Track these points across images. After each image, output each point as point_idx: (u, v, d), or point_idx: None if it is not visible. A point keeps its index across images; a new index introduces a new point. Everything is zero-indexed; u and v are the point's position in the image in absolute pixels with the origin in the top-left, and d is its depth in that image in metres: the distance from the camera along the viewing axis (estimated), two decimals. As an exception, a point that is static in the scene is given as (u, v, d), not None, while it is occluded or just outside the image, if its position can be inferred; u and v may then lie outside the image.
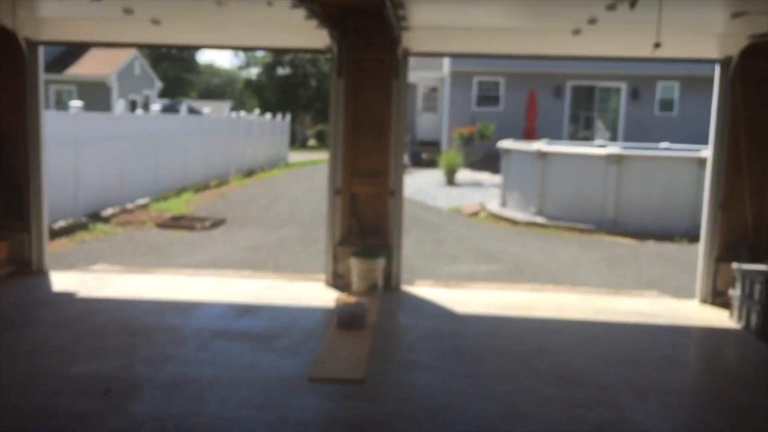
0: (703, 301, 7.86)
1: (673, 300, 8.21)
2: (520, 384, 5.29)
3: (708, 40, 7.63)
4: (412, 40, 7.79)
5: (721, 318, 7.33)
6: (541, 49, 8.31)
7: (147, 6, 7.05)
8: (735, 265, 7.20)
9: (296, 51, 21.80)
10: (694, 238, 11.46)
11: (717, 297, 7.71)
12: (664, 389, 5.27)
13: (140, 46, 29.71)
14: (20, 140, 8.04)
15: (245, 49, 47.94)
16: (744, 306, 6.93)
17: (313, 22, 6.97)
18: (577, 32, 7.11)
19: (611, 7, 5.77)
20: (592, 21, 6.60)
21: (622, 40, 7.71)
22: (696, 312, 7.58)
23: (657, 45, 5.74)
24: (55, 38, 8.52)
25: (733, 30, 7.16)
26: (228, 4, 6.51)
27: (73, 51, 30.77)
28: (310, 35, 7.51)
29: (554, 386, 5.25)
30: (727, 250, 7.66)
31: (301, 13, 6.43)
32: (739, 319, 7.03)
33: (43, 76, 8.32)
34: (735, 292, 7.13)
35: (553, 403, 4.93)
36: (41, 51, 8.21)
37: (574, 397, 5.05)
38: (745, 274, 6.94)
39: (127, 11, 6.96)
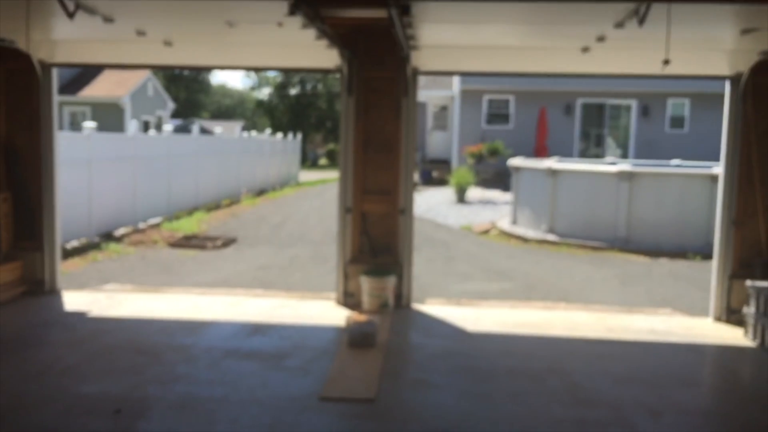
0: (717, 318, 7.78)
1: (687, 318, 8.13)
2: (532, 403, 5.23)
3: (718, 57, 7.62)
4: (421, 59, 7.84)
5: (735, 336, 7.24)
6: (551, 68, 8.35)
7: (159, 27, 7.14)
8: (749, 283, 7.13)
9: (307, 71, 21.96)
10: (707, 255, 11.36)
11: (731, 314, 7.63)
12: (679, 408, 5.21)
13: (153, 68, 30.13)
14: (34, 160, 8.13)
15: (256, 69, 48.27)
16: (759, 323, 6.84)
17: (324, 42, 7.02)
18: (586, 50, 7.12)
19: (619, 25, 5.77)
20: (601, 39, 6.61)
21: (631, 57, 7.72)
22: (710, 330, 7.50)
23: (666, 62, 5.73)
24: (69, 60, 8.64)
25: (743, 47, 7.15)
26: (239, 25, 6.59)
27: (87, 73, 31.18)
28: (321, 55, 7.57)
29: (567, 406, 5.19)
30: (740, 267, 7.60)
31: (311, 33, 6.48)
32: (754, 336, 6.94)
33: (56, 97, 8.43)
34: (749, 310, 7.05)
35: (565, 423, 4.88)
36: (55, 73, 8.32)
37: (588, 416, 4.99)
38: (759, 291, 6.86)
39: (140, 33, 7.05)
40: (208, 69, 51.29)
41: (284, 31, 6.62)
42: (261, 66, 9.23)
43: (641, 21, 5.26)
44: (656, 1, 5.10)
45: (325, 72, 8.41)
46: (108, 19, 6.25)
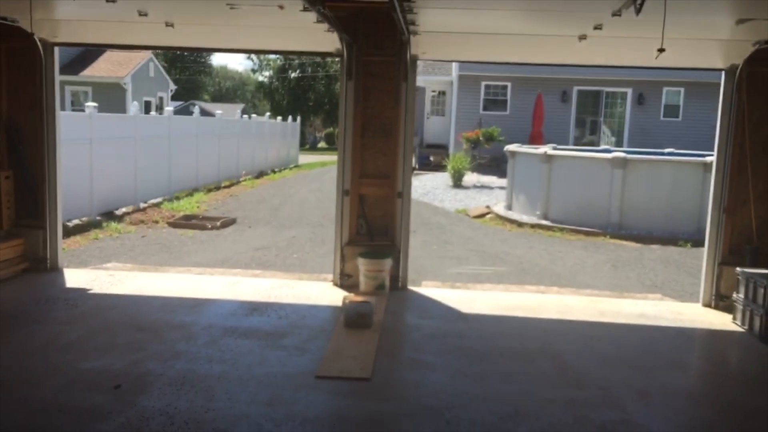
0: (707, 304, 7.92)
1: (677, 303, 8.27)
2: (524, 384, 5.35)
3: (714, 49, 7.67)
4: (420, 46, 7.89)
5: (724, 321, 7.37)
6: (548, 57, 8.44)
7: (161, 8, 7.18)
8: (739, 269, 7.25)
9: (307, 54, 21.94)
10: (698, 242, 11.51)
11: (721, 300, 7.77)
12: (668, 391, 5.33)
13: (154, 49, 30.05)
14: (36, 140, 8.21)
15: (257, 53, 48.15)
16: (747, 309, 6.98)
17: (324, 26, 7.07)
18: (583, 38, 7.18)
19: (617, 13, 5.80)
20: (598, 27, 6.67)
21: (627, 48, 7.78)
22: (699, 315, 7.63)
23: (661, 50, 5.78)
24: (71, 40, 8.69)
25: (739, 37, 7.21)
26: (240, 8, 6.63)
27: (88, 53, 31.12)
28: (321, 39, 7.62)
29: (558, 387, 5.32)
30: (731, 254, 7.72)
31: (311, 16, 6.52)
32: (743, 322, 7.08)
33: (59, 77, 8.49)
34: (738, 296, 7.18)
35: (557, 403, 4.99)
36: (57, 52, 8.37)
37: (578, 397, 5.11)
38: (748, 277, 6.99)
39: (142, 14, 7.09)
40: (209, 51, 51.09)
41: (285, 14, 6.66)
42: (261, 49, 9.33)
43: (638, 10, 5.28)
44: None
45: (326, 56, 8.48)
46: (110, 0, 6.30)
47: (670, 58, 6.38)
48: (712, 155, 8.26)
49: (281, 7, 6.34)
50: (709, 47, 7.66)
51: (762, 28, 6.70)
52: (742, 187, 7.66)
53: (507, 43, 8.05)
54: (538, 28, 7.55)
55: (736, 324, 7.21)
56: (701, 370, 6.32)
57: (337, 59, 8.10)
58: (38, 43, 8.02)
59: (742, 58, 7.46)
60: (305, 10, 6.15)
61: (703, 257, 8.15)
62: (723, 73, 7.78)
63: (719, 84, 7.97)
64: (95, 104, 14.18)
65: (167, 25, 7.57)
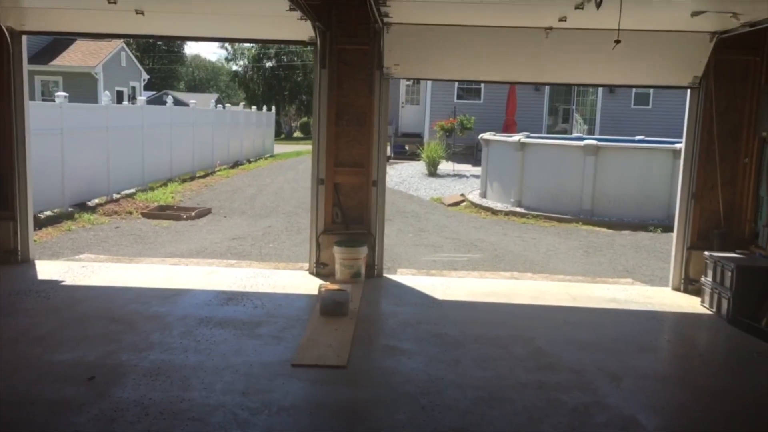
0: (676, 288, 8.07)
1: (647, 287, 8.42)
2: (498, 369, 5.42)
3: (679, 67, 7.80)
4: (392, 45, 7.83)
5: (693, 304, 7.53)
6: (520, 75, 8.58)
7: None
8: (707, 253, 7.40)
9: (281, 43, 21.75)
10: (668, 227, 11.71)
11: (689, 284, 7.92)
12: (638, 373, 5.43)
13: (125, 37, 29.50)
14: (4, 130, 8.07)
15: (229, 41, 47.54)
16: (715, 293, 7.13)
17: (297, 14, 7.03)
18: (549, 30, 7.29)
19: (579, 6, 6.01)
20: (563, 19, 6.79)
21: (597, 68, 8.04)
22: (669, 299, 7.78)
23: (617, 41, 5.90)
24: (39, 28, 8.52)
25: (702, 28, 7.28)
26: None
27: (59, 42, 30.57)
28: (294, 27, 7.56)
29: (531, 371, 5.40)
30: (699, 239, 7.87)
31: (284, 4, 6.49)
32: (711, 305, 7.23)
33: (27, 66, 8.35)
34: (707, 280, 7.33)
35: (530, 387, 5.07)
36: (25, 41, 8.22)
37: (551, 381, 5.19)
38: (716, 261, 7.13)
39: (111, 1, 6.99)
40: (181, 39, 50.57)
41: (257, 2, 6.63)
42: (234, 38, 9.23)
43: (598, 4, 5.43)
44: None
45: (300, 44, 8.43)
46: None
47: (640, 78, 6.50)
48: (681, 142, 8.39)
49: None
50: (676, 66, 7.81)
51: (725, 18, 6.80)
52: (710, 172, 7.80)
53: (480, 62, 8.10)
54: (504, 20, 7.57)
55: (704, 307, 7.36)
56: (671, 352, 6.45)
57: (311, 48, 8.06)
58: (5, 32, 7.87)
59: (702, 71, 7.59)
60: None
61: (672, 242, 8.29)
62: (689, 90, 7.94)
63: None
64: (66, 94, 13.95)
65: (137, 12, 7.48)
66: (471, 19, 7.54)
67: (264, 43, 43.33)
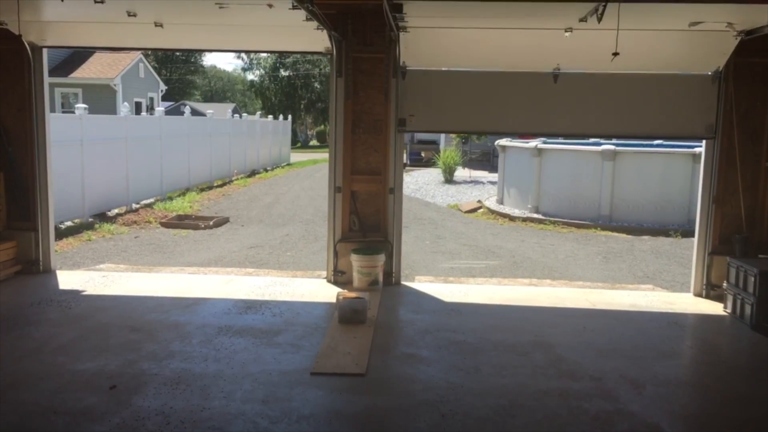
0: (698, 294, 7.98)
1: (668, 293, 8.34)
2: (518, 376, 5.38)
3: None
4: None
5: (715, 310, 7.44)
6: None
7: (150, 9, 7.16)
8: (729, 259, 7.31)
9: (297, 53, 21.90)
10: (688, 232, 11.60)
11: (711, 290, 7.83)
12: (661, 380, 5.37)
13: (143, 50, 29.96)
14: (26, 141, 8.19)
15: (246, 52, 48.04)
16: (738, 298, 7.04)
17: (313, 24, 7.07)
18: (569, 30, 7.26)
19: (583, 19, 6.18)
20: (569, 30, 6.82)
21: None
22: (691, 304, 7.69)
23: (615, 54, 6.04)
24: (59, 43, 8.67)
25: (723, 29, 7.23)
26: (229, 6, 6.62)
27: (78, 55, 30.94)
28: (311, 37, 7.62)
29: (551, 378, 5.35)
30: (720, 244, 7.79)
31: (300, 14, 6.53)
32: (733, 311, 7.14)
33: (48, 79, 8.47)
34: (729, 285, 7.24)
35: (551, 394, 5.02)
36: (45, 54, 8.35)
37: (572, 388, 5.14)
38: (738, 266, 7.05)
39: (131, 14, 7.08)
40: (199, 51, 51.04)
41: (274, 13, 6.66)
42: (251, 49, 9.32)
43: (599, 18, 5.68)
44: (611, 1, 5.62)
45: (316, 54, 8.48)
46: (98, 0, 6.28)
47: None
48: (701, 146, 8.32)
49: (270, 5, 6.35)
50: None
51: (747, 20, 6.75)
52: (731, 177, 7.72)
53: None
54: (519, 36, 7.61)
55: (726, 312, 7.27)
56: (693, 359, 6.36)
57: (328, 57, 8.10)
58: (26, 46, 7.99)
59: (728, 51, 7.50)
60: (294, 8, 6.15)
61: (693, 247, 8.21)
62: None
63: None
64: (85, 106, 14.14)
65: (156, 25, 7.56)
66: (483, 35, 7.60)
67: (281, 53, 43.60)
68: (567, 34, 6.88)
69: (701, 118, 7.79)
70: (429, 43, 7.65)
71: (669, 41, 7.42)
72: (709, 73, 7.72)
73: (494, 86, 7.98)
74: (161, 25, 7.56)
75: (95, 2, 6.31)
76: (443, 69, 8.03)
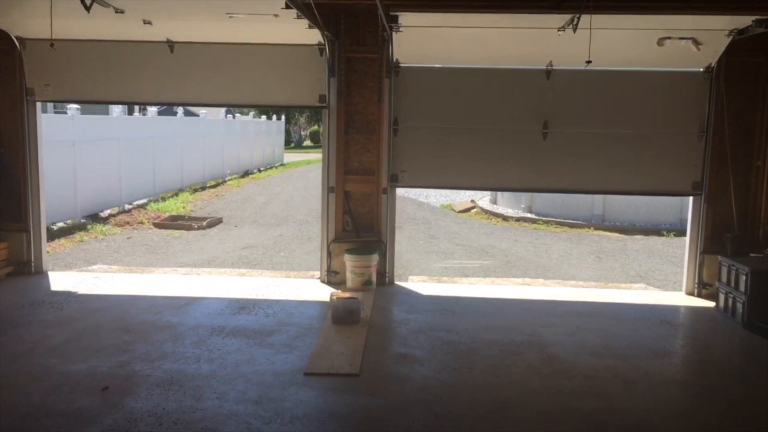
0: (690, 292, 8.01)
1: (661, 292, 8.37)
2: (512, 375, 5.39)
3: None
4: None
5: (707, 309, 7.47)
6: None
7: (137, 6, 7.08)
8: (720, 257, 7.34)
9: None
10: (681, 232, 11.63)
11: (703, 288, 7.87)
12: (653, 379, 5.40)
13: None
14: (17, 142, 8.14)
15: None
16: (729, 297, 7.07)
17: (305, 22, 7.05)
18: (561, 29, 7.31)
19: (561, 29, 6.55)
20: (561, 28, 6.87)
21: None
22: (682, 303, 7.73)
23: (588, 62, 6.18)
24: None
25: (715, 27, 7.26)
26: (239, 17, 6.61)
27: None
28: (303, 36, 7.59)
29: (545, 377, 5.36)
30: (712, 243, 7.82)
31: (292, 12, 6.50)
32: (725, 309, 7.17)
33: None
34: (721, 284, 7.27)
35: (544, 393, 5.04)
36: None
37: (565, 387, 5.16)
38: (730, 265, 7.08)
39: (117, 10, 6.99)
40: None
41: (266, 10, 6.64)
42: (242, 42, 9.18)
43: (575, 29, 6.13)
44: (585, 13, 6.07)
45: (308, 47, 8.42)
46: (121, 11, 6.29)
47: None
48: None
49: (276, 15, 6.36)
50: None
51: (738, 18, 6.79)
52: (722, 176, 7.75)
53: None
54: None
55: (718, 311, 7.30)
56: (685, 357, 6.38)
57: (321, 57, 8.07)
58: (15, 42, 7.94)
59: (719, 50, 7.53)
60: (287, 7, 6.14)
61: (685, 247, 8.24)
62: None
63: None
64: (77, 106, 14.07)
65: (145, 22, 7.49)
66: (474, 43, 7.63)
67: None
68: (560, 33, 6.94)
69: (694, 117, 7.81)
70: (422, 41, 7.64)
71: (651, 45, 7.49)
72: (701, 70, 7.75)
73: (487, 82, 7.96)
74: (150, 23, 7.48)
75: (116, 12, 6.40)
76: (437, 66, 8.01)
